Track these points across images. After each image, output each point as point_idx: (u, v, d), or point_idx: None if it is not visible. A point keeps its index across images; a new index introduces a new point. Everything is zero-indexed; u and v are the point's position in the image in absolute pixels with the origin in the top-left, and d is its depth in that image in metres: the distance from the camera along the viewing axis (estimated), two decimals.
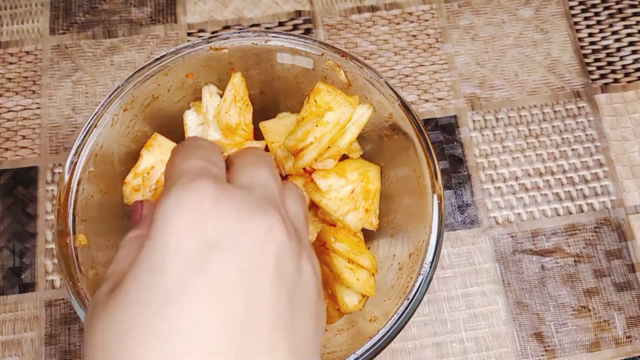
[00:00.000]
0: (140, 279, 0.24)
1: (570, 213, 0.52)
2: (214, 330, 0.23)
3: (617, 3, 0.60)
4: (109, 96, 0.41)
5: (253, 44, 0.43)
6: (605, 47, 0.58)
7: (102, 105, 0.41)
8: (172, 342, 0.22)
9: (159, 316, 0.22)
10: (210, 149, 0.30)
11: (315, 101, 0.42)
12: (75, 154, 0.39)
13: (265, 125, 0.46)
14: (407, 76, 0.57)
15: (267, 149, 0.46)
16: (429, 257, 0.37)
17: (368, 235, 0.45)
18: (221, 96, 0.45)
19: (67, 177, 0.39)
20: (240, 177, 0.29)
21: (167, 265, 0.23)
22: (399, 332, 0.36)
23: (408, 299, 0.36)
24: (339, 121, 0.42)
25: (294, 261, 0.26)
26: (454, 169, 0.54)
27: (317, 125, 0.41)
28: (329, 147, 0.43)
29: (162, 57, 0.42)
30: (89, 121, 0.40)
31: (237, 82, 0.44)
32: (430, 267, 0.37)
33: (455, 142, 0.54)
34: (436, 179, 0.39)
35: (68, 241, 0.38)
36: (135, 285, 0.23)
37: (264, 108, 0.47)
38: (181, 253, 0.23)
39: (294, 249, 0.26)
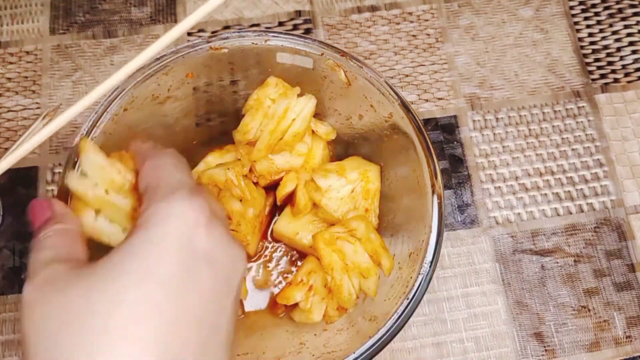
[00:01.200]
0: (128, 263, 0.26)
1: (570, 213, 0.52)
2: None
3: (617, 3, 0.60)
4: (109, 96, 0.41)
5: (253, 43, 0.43)
6: (605, 47, 0.58)
7: (101, 104, 0.41)
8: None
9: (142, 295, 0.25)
10: (182, 165, 0.33)
11: (257, 95, 0.44)
12: (75, 154, 0.39)
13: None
14: (407, 76, 0.57)
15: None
16: (429, 256, 0.37)
17: None
18: None
19: None
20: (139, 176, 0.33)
21: (162, 258, 0.26)
22: (398, 331, 0.36)
23: (408, 299, 0.36)
24: (275, 113, 0.43)
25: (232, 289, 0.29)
26: (454, 169, 0.54)
27: (258, 117, 0.44)
28: (281, 138, 0.44)
29: (162, 56, 0.42)
30: (88, 121, 0.40)
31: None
32: (430, 266, 0.37)
33: (455, 142, 0.54)
34: (436, 178, 0.39)
35: None
36: (122, 265, 0.26)
37: None
38: (177, 252, 0.26)
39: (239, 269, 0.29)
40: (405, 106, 0.41)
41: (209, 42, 0.43)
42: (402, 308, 0.36)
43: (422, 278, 0.37)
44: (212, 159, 0.47)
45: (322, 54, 0.42)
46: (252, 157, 0.45)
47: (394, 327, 0.36)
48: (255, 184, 0.46)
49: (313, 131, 0.47)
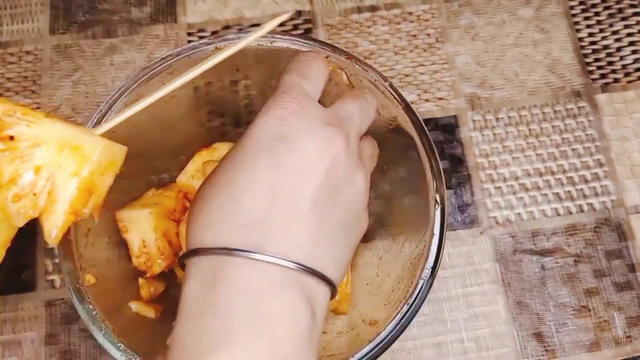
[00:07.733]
0: (228, 158, 0.32)
1: (570, 213, 0.53)
2: (265, 186, 0.30)
3: (617, 3, 0.60)
4: (113, 94, 0.40)
5: (258, 45, 0.42)
6: (606, 47, 0.58)
7: (106, 103, 0.40)
8: (236, 189, 0.30)
9: (237, 171, 0.31)
10: (307, 63, 0.36)
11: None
12: None
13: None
14: (407, 76, 0.57)
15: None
16: (431, 261, 0.37)
17: (368, 237, 0.45)
18: None
19: None
20: (337, 103, 0.35)
21: (247, 146, 0.31)
22: (398, 336, 0.35)
23: (408, 304, 0.36)
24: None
25: (347, 169, 0.32)
26: (454, 169, 0.54)
27: None
28: None
29: (166, 56, 0.42)
30: (92, 119, 0.40)
31: None
32: (432, 272, 0.36)
33: (455, 142, 0.55)
34: (440, 181, 0.39)
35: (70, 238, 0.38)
36: (225, 162, 0.32)
37: None
38: (259, 140, 0.31)
39: (349, 163, 0.32)
40: (409, 109, 0.40)
41: (211, 43, 0.42)
42: (402, 313, 0.36)
43: (423, 283, 0.36)
44: (200, 159, 0.48)
45: (327, 57, 0.42)
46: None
47: (394, 331, 0.35)
48: None
49: None
